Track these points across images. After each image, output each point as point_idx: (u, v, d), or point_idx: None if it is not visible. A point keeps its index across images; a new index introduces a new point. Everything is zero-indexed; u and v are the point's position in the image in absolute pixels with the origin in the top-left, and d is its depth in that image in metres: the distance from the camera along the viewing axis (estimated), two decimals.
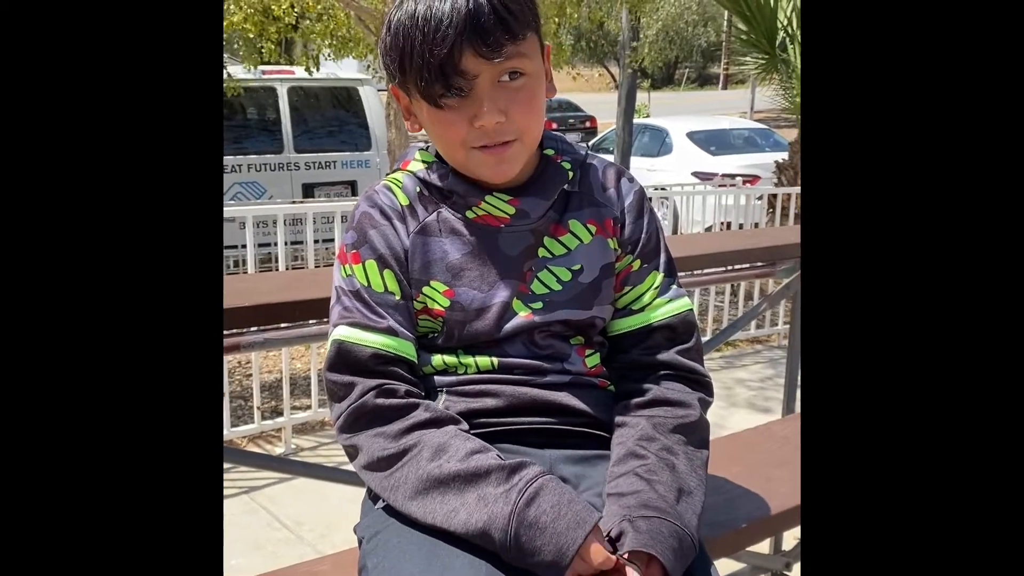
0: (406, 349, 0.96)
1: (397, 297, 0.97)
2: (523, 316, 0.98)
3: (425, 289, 0.98)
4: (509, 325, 0.98)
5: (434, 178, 0.99)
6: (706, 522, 1.01)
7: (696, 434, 1.00)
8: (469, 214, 0.99)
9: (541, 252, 1.00)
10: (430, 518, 0.87)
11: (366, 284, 0.96)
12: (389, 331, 0.95)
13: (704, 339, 4.00)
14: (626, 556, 0.85)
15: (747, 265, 2.18)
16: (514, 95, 0.91)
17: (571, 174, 1.02)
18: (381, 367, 0.94)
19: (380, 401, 0.92)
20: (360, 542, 0.97)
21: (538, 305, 0.99)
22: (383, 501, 0.94)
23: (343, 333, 0.95)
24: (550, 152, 1.02)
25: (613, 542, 0.86)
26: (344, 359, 0.94)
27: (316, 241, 3.63)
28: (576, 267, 1.00)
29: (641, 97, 17.17)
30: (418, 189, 1.01)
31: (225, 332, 1.44)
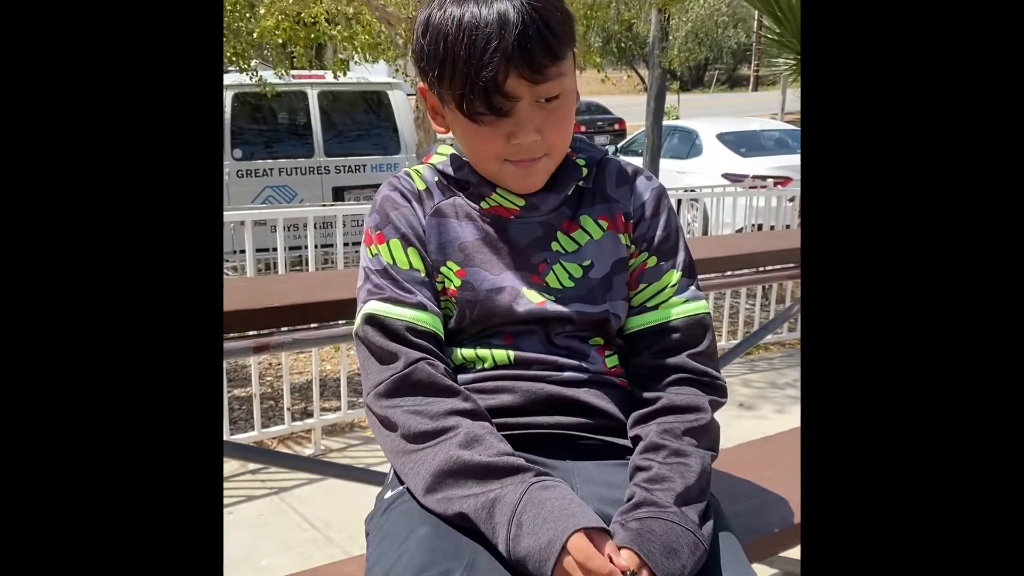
0: (436, 324, 0.97)
1: (422, 274, 0.99)
2: (536, 302, 0.98)
3: (442, 269, 0.99)
4: (523, 308, 0.98)
5: (451, 169, 1.02)
6: (738, 526, 1.00)
7: (705, 437, 0.98)
8: (483, 204, 1.01)
9: (555, 246, 1.01)
10: (451, 501, 0.86)
11: (392, 262, 0.98)
12: (420, 306, 0.96)
13: (735, 342, 3.98)
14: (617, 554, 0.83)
15: (779, 266, 2.16)
16: (550, 115, 0.93)
17: (585, 171, 1.04)
18: (418, 340, 0.95)
19: (424, 376, 0.93)
20: (367, 534, 0.97)
21: (551, 297, 0.99)
22: (391, 490, 0.95)
23: (375, 307, 0.96)
24: (567, 150, 1.03)
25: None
26: (382, 328, 0.95)
27: (346, 244, 3.65)
28: (587, 263, 1.01)
29: (670, 99, 17.10)
30: (436, 178, 1.03)
31: (255, 332, 1.45)
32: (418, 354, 0.94)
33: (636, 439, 0.98)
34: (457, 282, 0.99)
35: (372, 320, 0.96)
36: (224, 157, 6.27)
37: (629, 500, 0.90)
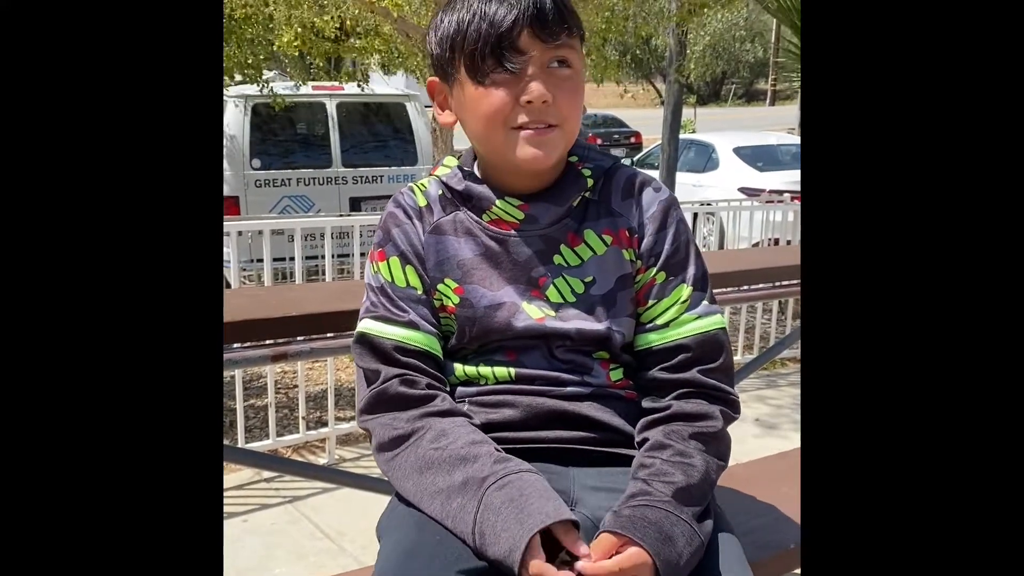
0: (428, 342, 0.99)
1: (419, 292, 1.00)
2: (535, 318, 0.98)
3: (440, 286, 1.00)
4: (522, 324, 0.97)
5: (454, 181, 1.02)
6: (753, 542, 0.99)
7: (714, 444, 0.97)
8: (485, 217, 1.00)
9: (557, 260, 1.00)
10: (422, 499, 0.90)
11: (390, 280, 1.00)
12: (411, 324, 0.98)
13: (751, 357, 3.95)
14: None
15: (795, 281, 2.15)
16: (561, 82, 0.93)
17: (591, 182, 1.01)
18: (404, 358, 0.97)
19: (402, 389, 0.95)
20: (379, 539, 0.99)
21: (551, 312, 0.98)
22: (395, 496, 0.98)
23: (367, 326, 0.99)
24: (574, 159, 1.02)
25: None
26: (370, 348, 0.98)
27: (362, 254, 3.66)
28: (588, 279, 0.99)
29: (687, 113, 17.10)
30: (440, 192, 1.03)
31: (272, 341, 1.46)
32: (397, 371, 0.96)
33: (643, 443, 0.97)
34: (455, 299, 0.99)
35: (362, 339, 0.99)
36: (243, 167, 6.33)
37: (627, 494, 0.90)
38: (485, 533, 0.82)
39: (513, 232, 0.99)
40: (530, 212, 0.99)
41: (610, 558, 0.83)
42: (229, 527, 2.61)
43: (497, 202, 0.99)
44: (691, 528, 0.87)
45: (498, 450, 0.90)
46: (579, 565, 0.81)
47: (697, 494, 0.91)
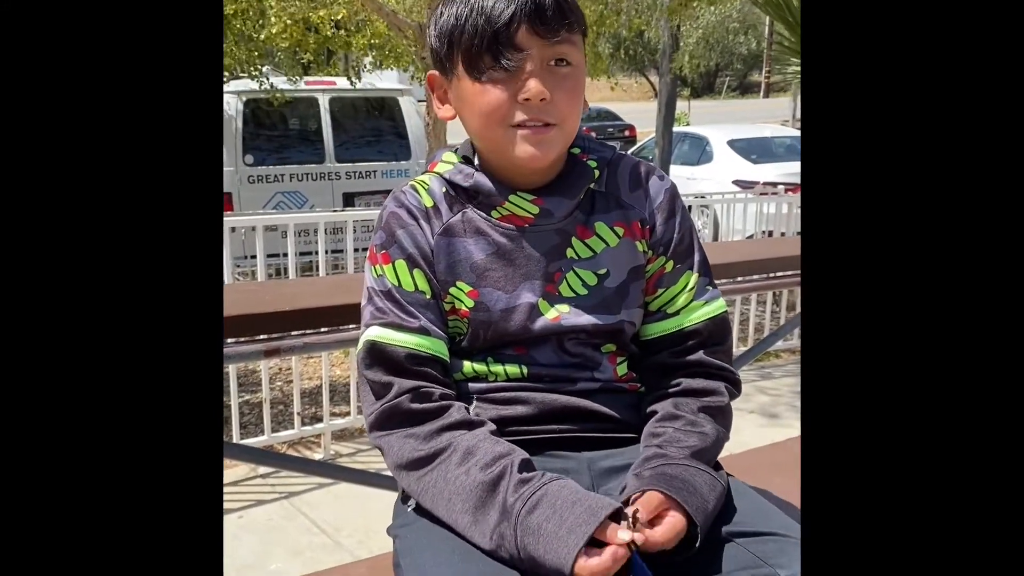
0: (439, 348, 0.96)
1: (428, 296, 0.97)
2: (550, 318, 0.97)
3: (452, 290, 0.98)
4: (537, 325, 0.97)
5: (460, 178, 0.99)
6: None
7: (721, 417, 0.99)
8: (494, 214, 0.98)
9: (569, 253, 0.99)
10: (457, 525, 0.88)
11: (397, 284, 0.97)
12: (422, 331, 0.95)
13: (745, 348, 3.96)
14: (635, 512, 0.83)
15: (789, 272, 2.15)
16: (560, 80, 0.91)
17: (597, 172, 1.01)
18: (416, 367, 0.94)
19: (415, 405, 0.92)
20: (394, 541, 0.97)
21: (565, 308, 0.98)
22: (413, 501, 0.95)
23: (376, 333, 0.95)
24: (576, 151, 1.01)
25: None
26: (380, 359, 0.95)
27: (356, 249, 3.66)
28: (602, 271, 0.99)
29: (681, 106, 17.08)
30: (444, 189, 1.00)
31: (266, 336, 1.45)
32: (412, 383, 0.93)
33: (649, 416, 0.99)
34: (469, 303, 0.97)
35: (372, 349, 0.95)
36: (236, 163, 6.32)
37: (642, 459, 0.92)
38: (533, 556, 0.81)
39: (527, 227, 0.98)
40: (545, 206, 0.97)
41: (652, 521, 0.84)
42: (225, 524, 2.61)
43: (510, 197, 0.97)
44: (711, 477, 0.90)
45: (523, 461, 0.88)
46: (634, 538, 0.81)
47: (708, 456, 0.95)
